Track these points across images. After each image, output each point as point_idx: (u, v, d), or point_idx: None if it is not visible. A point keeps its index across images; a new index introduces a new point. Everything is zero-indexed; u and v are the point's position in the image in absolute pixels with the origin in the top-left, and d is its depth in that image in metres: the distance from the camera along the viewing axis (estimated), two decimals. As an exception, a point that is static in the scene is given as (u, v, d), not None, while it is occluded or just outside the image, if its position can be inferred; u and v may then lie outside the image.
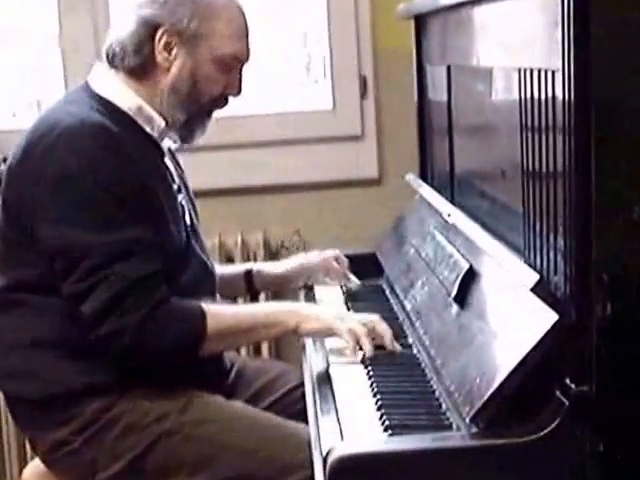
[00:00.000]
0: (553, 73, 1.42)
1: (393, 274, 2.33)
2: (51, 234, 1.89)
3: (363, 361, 1.88)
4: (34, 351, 1.97)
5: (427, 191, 2.35)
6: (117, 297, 1.85)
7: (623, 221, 1.35)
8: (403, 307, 2.14)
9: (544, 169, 1.49)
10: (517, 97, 1.61)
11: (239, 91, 2.07)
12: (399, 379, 1.79)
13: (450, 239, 2.01)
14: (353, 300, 2.33)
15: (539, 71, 1.49)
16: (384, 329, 1.94)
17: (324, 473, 1.42)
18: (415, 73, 2.54)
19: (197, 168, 2.85)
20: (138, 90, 2.01)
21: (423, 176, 2.56)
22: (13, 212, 1.98)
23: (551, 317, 1.39)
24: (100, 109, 1.96)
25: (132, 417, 1.93)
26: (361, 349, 1.90)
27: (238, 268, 2.42)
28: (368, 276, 2.50)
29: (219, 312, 1.94)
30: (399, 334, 2.00)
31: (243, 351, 2.93)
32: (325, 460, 1.41)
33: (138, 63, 1.99)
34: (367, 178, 3.05)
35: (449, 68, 2.21)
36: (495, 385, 1.42)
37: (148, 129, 2.01)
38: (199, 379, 1.99)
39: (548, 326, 1.39)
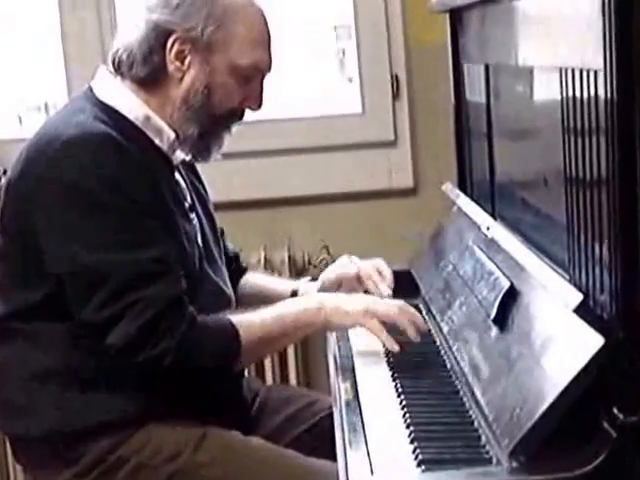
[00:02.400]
0: (595, 73, 1.43)
1: (429, 293, 2.35)
2: (61, 253, 1.89)
3: (396, 388, 1.90)
4: (38, 384, 1.97)
5: (465, 202, 2.36)
6: (149, 325, 1.85)
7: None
8: (440, 329, 2.15)
9: (587, 176, 1.50)
10: (558, 98, 1.62)
11: (259, 105, 2.06)
12: (435, 409, 1.80)
13: (490, 255, 2.02)
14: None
15: (581, 71, 1.50)
16: (413, 313, 2.04)
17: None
18: (451, 72, 2.55)
19: (214, 178, 2.88)
20: (147, 100, 2.01)
21: (461, 185, 2.57)
22: (13, 230, 1.98)
23: (596, 341, 1.40)
24: (105, 118, 1.95)
25: (143, 456, 1.94)
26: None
27: (284, 286, 2.38)
28: (403, 295, 2.51)
29: (249, 324, 1.97)
30: (436, 361, 2.03)
31: (269, 379, 2.96)
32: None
33: (147, 73, 1.98)
34: (401, 188, 3.09)
35: (487, 67, 2.22)
36: (536, 416, 1.43)
37: (157, 141, 2.01)
38: (216, 413, 2.01)
39: (593, 351, 1.39)
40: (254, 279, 2.37)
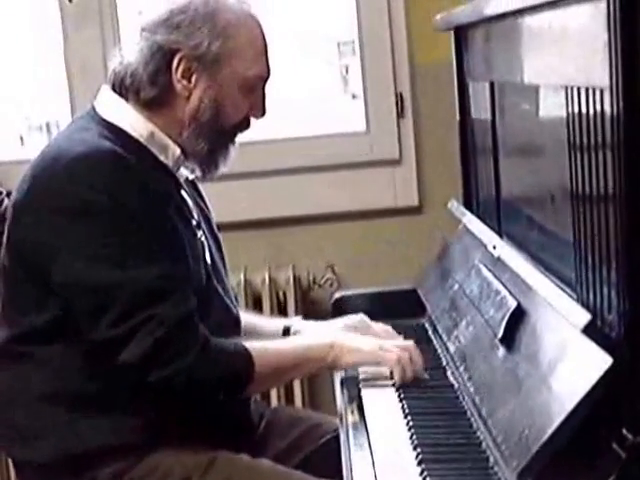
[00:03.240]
0: (602, 91, 1.44)
1: (436, 312, 2.35)
2: (70, 273, 1.89)
3: (403, 409, 1.90)
4: (44, 409, 1.97)
5: (471, 220, 2.37)
6: (161, 343, 1.85)
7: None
8: (447, 349, 2.15)
9: (593, 194, 1.50)
10: (564, 116, 1.63)
11: (263, 112, 2.08)
12: (442, 429, 1.81)
13: (497, 274, 2.02)
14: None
15: (587, 89, 1.51)
16: (418, 357, 2.05)
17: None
18: (456, 90, 2.56)
19: (219, 198, 2.88)
20: (151, 118, 2.01)
21: (467, 203, 2.57)
22: (20, 251, 1.97)
23: (605, 361, 1.40)
24: (109, 136, 1.95)
25: None
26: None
27: (275, 324, 2.35)
28: (409, 315, 2.52)
29: (263, 353, 1.97)
30: (442, 380, 2.04)
31: (274, 399, 2.96)
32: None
33: (155, 94, 1.99)
34: (407, 206, 3.10)
35: (492, 84, 2.23)
36: (544, 437, 1.43)
37: (162, 158, 2.02)
38: (225, 436, 2.01)
39: (601, 371, 1.39)
40: (245, 317, 2.31)
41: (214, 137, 2.02)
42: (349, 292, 2.68)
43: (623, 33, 1.34)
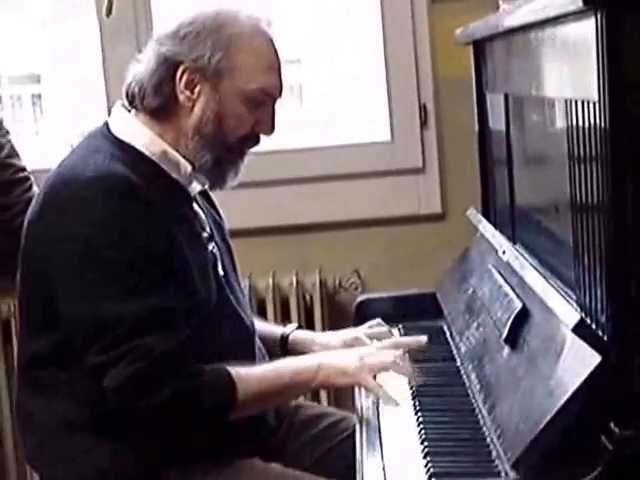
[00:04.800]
0: (594, 104, 1.49)
1: (452, 315, 2.40)
2: (70, 302, 1.91)
3: (414, 406, 1.95)
4: (64, 435, 1.98)
5: (486, 227, 2.41)
6: (142, 373, 1.85)
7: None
8: (459, 350, 2.21)
9: (587, 202, 1.56)
10: (563, 128, 1.68)
11: (272, 129, 2.06)
12: (450, 425, 1.86)
13: (507, 278, 2.07)
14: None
15: (583, 102, 1.56)
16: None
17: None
18: (475, 102, 2.60)
19: (250, 205, 2.97)
20: (161, 133, 2.01)
21: (485, 210, 2.62)
22: (31, 273, 2.00)
23: (594, 359, 1.46)
24: (122, 157, 1.95)
25: None
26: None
27: (274, 330, 2.36)
28: (429, 317, 2.57)
29: (247, 377, 1.95)
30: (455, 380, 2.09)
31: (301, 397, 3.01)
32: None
33: (159, 104, 2.00)
34: (430, 213, 3.13)
35: (507, 96, 2.28)
36: (536, 431, 1.48)
37: (174, 174, 2.02)
38: (240, 443, 2.01)
39: (590, 369, 1.44)
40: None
41: (218, 149, 2.02)
42: (371, 295, 2.71)
43: (609, 48, 1.39)
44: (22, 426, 2.12)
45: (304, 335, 2.35)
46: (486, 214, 2.59)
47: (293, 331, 2.34)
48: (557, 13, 1.54)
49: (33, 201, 2.03)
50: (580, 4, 1.35)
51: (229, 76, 1.98)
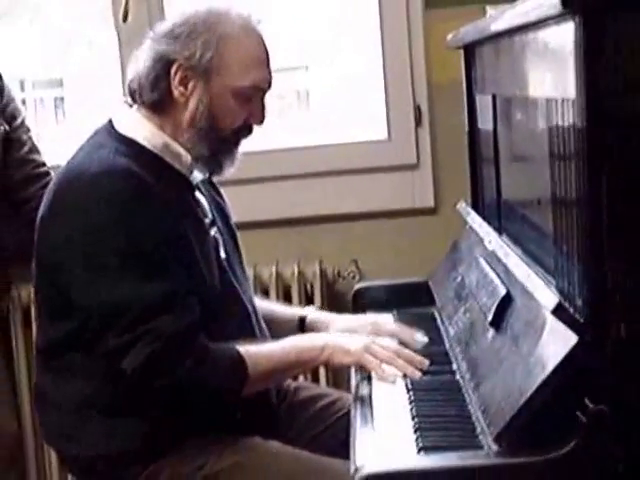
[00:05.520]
0: (573, 103, 1.50)
1: (442, 301, 2.42)
2: (82, 287, 1.92)
3: (406, 386, 1.97)
4: (78, 414, 2.01)
5: (474, 219, 2.43)
6: (157, 355, 1.87)
7: (635, 244, 1.43)
8: (448, 333, 2.22)
9: (566, 196, 1.57)
10: (545, 126, 1.70)
11: (262, 120, 2.07)
12: (439, 403, 1.87)
13: (492, 266, 2.09)
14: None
15: (562, 101, 1.57)
16: (409, 354, 2.06)
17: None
18: (465, 102, 2.62)
19: (255, 199, 2.98)
20: (161, 125, 2.03)
21: (474, 204, 2.63)
22: (45, 265, 2.01)
23: (571, 340, 1.47)
24: (126, 151, 1.97)
25: (173, 469, 1.98)
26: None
27: (292, 313, 2.39)
28: (422, 304, 2.58)
29: (256, 355, 1.98)
30: (444, 361, 2.10)
31: (301, 377, 3.03)
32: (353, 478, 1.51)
33: (155, 99, 2.01)
34: (424, 207, 3.13)
35: (494, 97, 2.29)
36: (517, 407, 1.51)
37: (176, 165, 2.04)
38: (244, 422, 2.03)
39: (567, 349, 1.47)
40: (265, 305, 2.34)
41: (213, 141, 2.03)
42: (368, 284, 2.73)
43: (587, 50, 1.41)
44: (40, 406, 2.14)
45: (322, 317, 2.37)
46: (475, 207, 2.60)
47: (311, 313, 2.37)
48: (538, 17, 1.55)
49: (44, 197, 2.04)
50: (559, 8, 1.37)
51: (219, 73, 2.00)
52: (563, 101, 1.56)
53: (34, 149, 2.90)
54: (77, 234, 1.92)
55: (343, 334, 2.19)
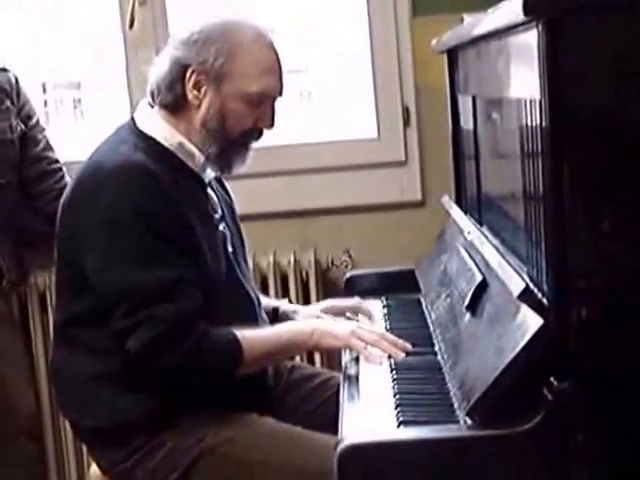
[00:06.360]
0: (539, 103, 1.52)
1: (426, 288, 2.43)
2: (97, 273, 1.95)
3: (390, 365, 1.99)
4: (92, 385, 2.03)
5: (456, 212, 2.45)
6: (159, 337, 1.90)
7: (594, 233, 1.44)
8: (431, 317, 2.24)
9: (533, 190, 1.59)
10: (516, 125, 1.71)
11: (271, 125, 2.08)
12: (420, 381, 1.89)
13: (471, 254, 2.10)
14: (393, 314, 2.43)
15: (531, 101, 1.59)
16: (394, 339, 2.07)
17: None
18: (449, 103, 2.63)
19: (257, 193, 3.00)
20: (176, 125, 2.05)
21: (458, 198, 2.65)
22: (65, 250, 2.05)
23: (537, 322, 1.49)
24: (144, 147, 2.00)
25: (176, 441, 2.00)
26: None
27: (267, 302, 2.39)
28: (408, 291, 2.60)
29: (252, 340, 2.00)
30: (427, 343, 2.12)
31: (297, 358, 3.04)
32: (335, 450, 1.53)
33: (171, 101, 2.04)
34: (411, 201, 3.14)
35: (474, 98, 2.31)
36: (488, 384, 1.52)
37: (190, 163, 2.06)
38: (241, 399, 2.05)
39: (533, 330, 1.49)
40: None
41: (222, 142, 2.05)
42: (359, 272, 2.75)
43: (548, 52, 1.43)
44: (56, 381, 2.17)
45: (291, 308, 2.41)
46: (459, 201, 2.62)
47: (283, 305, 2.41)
48: (507, 24, 1.57)
49: (67, 188, 2.07)
50: (522, 16, 1.38)
51: (230, 79, 2.02)
52: (530, 101, 1.58)
53: (48, 147, 2.92)
54: (93, 223, 1.95)
55: (331, 320, 2.22)
